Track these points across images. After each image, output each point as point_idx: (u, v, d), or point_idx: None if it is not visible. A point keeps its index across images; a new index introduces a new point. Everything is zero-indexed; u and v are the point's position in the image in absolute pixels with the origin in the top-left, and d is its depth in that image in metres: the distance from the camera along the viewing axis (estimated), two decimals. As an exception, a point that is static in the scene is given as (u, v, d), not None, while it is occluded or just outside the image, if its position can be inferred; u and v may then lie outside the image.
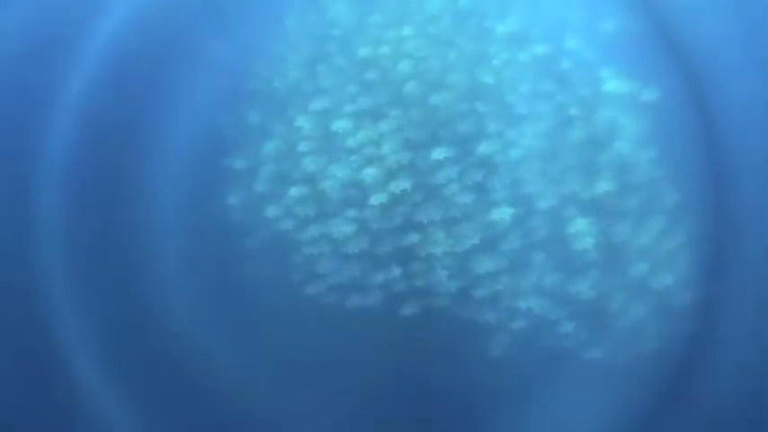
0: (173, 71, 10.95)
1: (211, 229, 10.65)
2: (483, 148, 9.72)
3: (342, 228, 9.93)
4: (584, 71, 10.91)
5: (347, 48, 9.72)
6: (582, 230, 9.81)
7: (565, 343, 10.20)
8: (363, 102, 9.38)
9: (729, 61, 11.07)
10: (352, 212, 9.91)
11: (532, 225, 10.22)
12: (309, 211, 9.96)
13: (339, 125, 9.45)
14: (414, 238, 9.74)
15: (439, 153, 9.23)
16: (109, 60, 11.60)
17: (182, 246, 10.72)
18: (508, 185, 9.82)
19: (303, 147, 9.79)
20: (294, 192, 10.00)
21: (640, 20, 11.87)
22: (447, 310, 10.02)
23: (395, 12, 9.55)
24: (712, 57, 11.86)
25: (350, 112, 9.50)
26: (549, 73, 10.62)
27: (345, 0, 9.81)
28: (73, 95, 11.59)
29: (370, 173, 9.41)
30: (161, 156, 11.31)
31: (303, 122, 9.75)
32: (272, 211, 10.28)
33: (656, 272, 10.34)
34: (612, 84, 10.84)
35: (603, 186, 9.72)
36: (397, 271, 9.98)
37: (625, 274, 10.20)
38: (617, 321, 10.21)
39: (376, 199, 9.59)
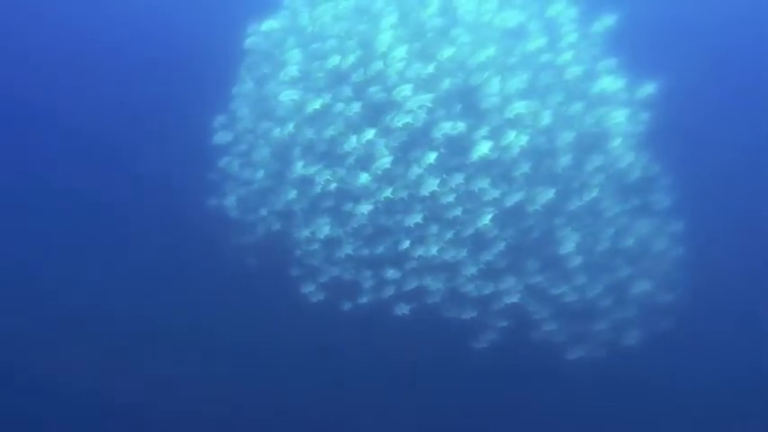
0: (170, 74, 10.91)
1: (205, 229, 10.79)
2: (473, 152, 9.74)
3: (334, 230, 10.11)
4: (579, 69, 10.76)
5: (339, 52, 9.60)
6: (568, 234, 9.97)
7: (549, 341, 10.53)
8: (355, 107, 9.32)
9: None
10: (344, 215, 10.05)
11: (520, 228, 10.37)
12: (302, 213, 10.11)
13: (331, 130, 9.44)
14: (404, 240, 9.91)
15: (429, 158, 9.24)
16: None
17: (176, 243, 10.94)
18: (497, 189, 9.87)
19: (296, 151, 9.83)
20: (288, 195, 10.11)
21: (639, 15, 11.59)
22: (436, 310, 10.31)
23: (387, 17, 9.35)
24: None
25: (342, 117, 9.47)
26: (540, 73, 10.50)
27: (336, 4, 9.62)
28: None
29: (361, 177, 9.46)
30: (157, 156, 11.42)
31: (296, 127, 9.73)
32: (264, 213, 10.43)
33: (640, 274, 10.56)
34: (607, 81, 10.72)
35: (591, 193, 9.80)
36: (388, 272, 10.21)
37: (610, 276, 10.43)
38: (601, 321, 10.50)
39: (367, 202, 9.70)
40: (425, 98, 8.71)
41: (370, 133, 8.77)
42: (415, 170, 9.20)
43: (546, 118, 10.05)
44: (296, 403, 10.25)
